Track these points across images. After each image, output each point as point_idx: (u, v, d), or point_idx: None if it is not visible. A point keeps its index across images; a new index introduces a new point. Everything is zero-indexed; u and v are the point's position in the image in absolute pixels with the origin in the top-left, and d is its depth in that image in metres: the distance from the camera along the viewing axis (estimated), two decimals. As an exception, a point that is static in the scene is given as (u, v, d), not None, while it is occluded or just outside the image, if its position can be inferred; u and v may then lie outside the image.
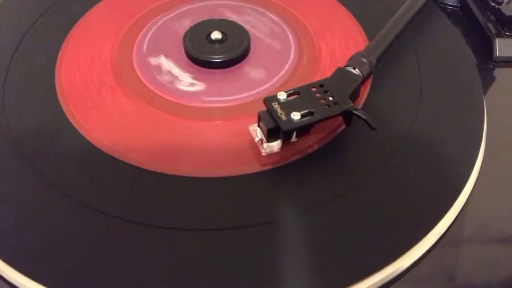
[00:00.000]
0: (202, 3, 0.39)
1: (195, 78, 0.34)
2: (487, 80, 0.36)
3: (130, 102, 0.32)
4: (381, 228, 0.27)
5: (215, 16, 0.37)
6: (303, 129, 0.29)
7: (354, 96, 0.31)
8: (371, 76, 0.33)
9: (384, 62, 0.34)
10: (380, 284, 0.25)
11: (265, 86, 0.33)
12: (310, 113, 0.28)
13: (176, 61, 0.35)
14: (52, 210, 0.27)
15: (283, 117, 0.28)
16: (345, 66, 0.32)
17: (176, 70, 0.34)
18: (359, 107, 0.32)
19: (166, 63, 0.35)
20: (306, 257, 0.26)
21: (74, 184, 0.28)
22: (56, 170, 0.29)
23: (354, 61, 0.32)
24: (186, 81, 0.34)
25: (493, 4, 0.39)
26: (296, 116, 0.28)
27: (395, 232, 0.27)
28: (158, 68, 0.34)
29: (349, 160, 0.30)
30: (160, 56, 0.35)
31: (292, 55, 0.35)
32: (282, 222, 0.27)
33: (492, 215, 0.29)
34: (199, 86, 0.33)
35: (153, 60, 0.35)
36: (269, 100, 0.29)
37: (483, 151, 0.31)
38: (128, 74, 0.34)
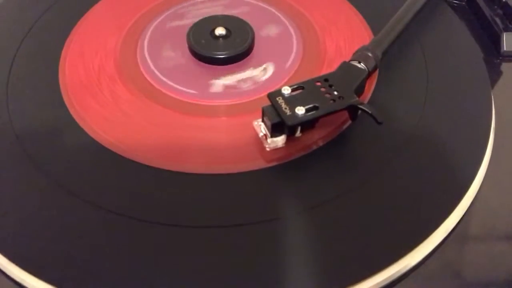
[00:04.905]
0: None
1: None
2: (494, 75, 0.36)
3: (134, 100, 0.32)
4: (387, 225, 0.26)
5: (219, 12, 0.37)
6: (307, 124, 0.29)
7: (360, 90, 0.30)
8: (377, 71, 0.32)
9: (390, 57, 0.33)
10: (388, 281, 0.25)
11: (269, 82, 0.33)
12: (315, 108, 0.28)
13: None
14: (55, 207, 0.27)
15: (288, 112, 0.28)
16: (350, 60, 0.31)
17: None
18: (365, 102, 0.31)
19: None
20: (312, 254, 0.25)
21: (77, 181, 0.28)
22: (59, 167, 0.29)
23: (359, 55, 0.32)
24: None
25: (500, -2, 0.39)
26: (300, 110, 0.28)
27: (402, 229, 0.26)
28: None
29: (355, 157, 0.30)
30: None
31: (296, 50, 0.35)
32: (287, 219, 0.26)
33: (500, 212, 0.29)
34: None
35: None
36: (274, 94, 0.29)
37: (491, 147, 0.31)
38: (132, 72, 0.34)
